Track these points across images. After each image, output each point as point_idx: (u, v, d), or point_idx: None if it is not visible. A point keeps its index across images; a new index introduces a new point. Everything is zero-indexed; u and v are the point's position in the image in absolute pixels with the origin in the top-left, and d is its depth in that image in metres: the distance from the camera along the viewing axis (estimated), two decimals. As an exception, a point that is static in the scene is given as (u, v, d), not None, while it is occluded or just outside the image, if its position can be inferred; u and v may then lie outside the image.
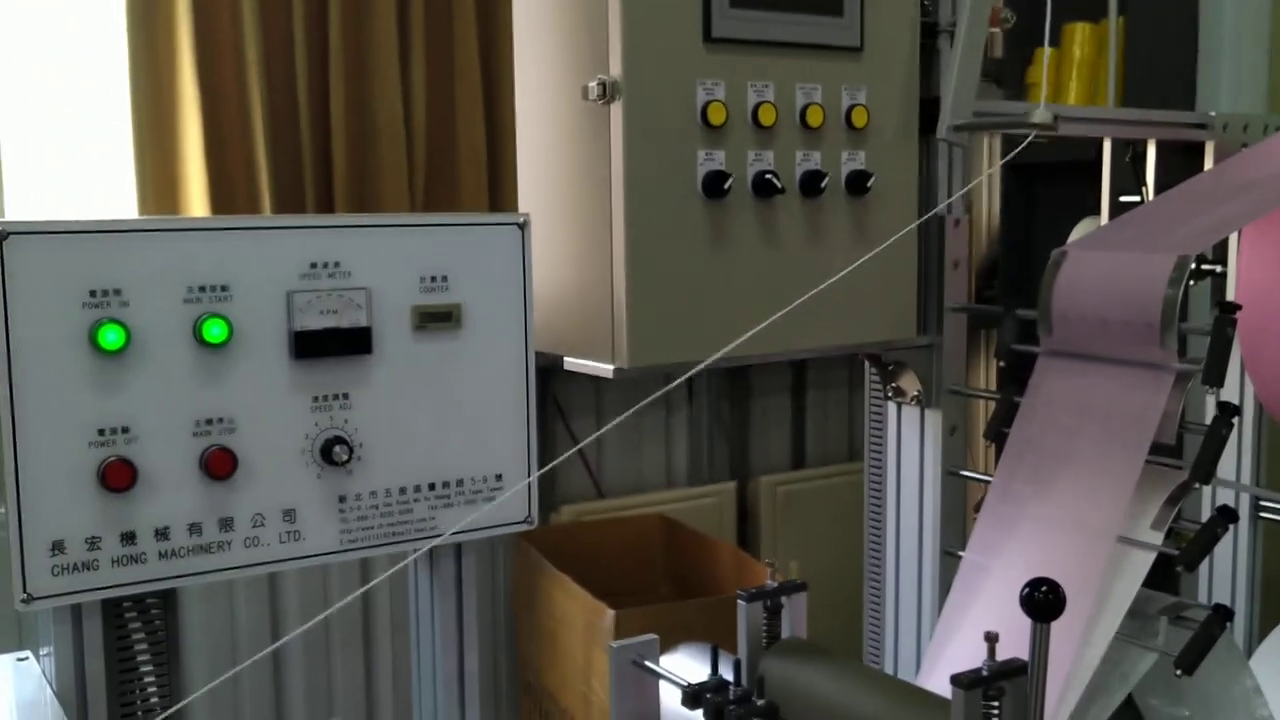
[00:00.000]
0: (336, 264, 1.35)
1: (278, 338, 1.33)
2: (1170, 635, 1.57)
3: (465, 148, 2.70)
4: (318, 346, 1.34)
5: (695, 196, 1.59)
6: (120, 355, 1.24)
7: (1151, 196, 2.31)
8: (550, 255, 1.66)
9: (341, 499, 1.38)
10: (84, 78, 2.57)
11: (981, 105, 1.76)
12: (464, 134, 2.67)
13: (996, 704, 1.26)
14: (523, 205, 1.73)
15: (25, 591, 1.22)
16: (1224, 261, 2.03)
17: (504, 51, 2.68)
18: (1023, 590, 1.23)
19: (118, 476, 1.24)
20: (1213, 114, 2.13)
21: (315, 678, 2.77)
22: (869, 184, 1.71)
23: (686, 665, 1.54)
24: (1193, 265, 1.51)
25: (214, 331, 1.28)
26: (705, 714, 1.40)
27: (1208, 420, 1.49)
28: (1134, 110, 2.10)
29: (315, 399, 1.36)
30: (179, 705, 1.36)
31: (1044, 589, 1.23)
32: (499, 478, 1.48)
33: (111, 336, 1.23)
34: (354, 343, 1.36)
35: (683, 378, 1.53)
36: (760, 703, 1.35)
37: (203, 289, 1.28)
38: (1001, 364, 1.78)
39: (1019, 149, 1.71)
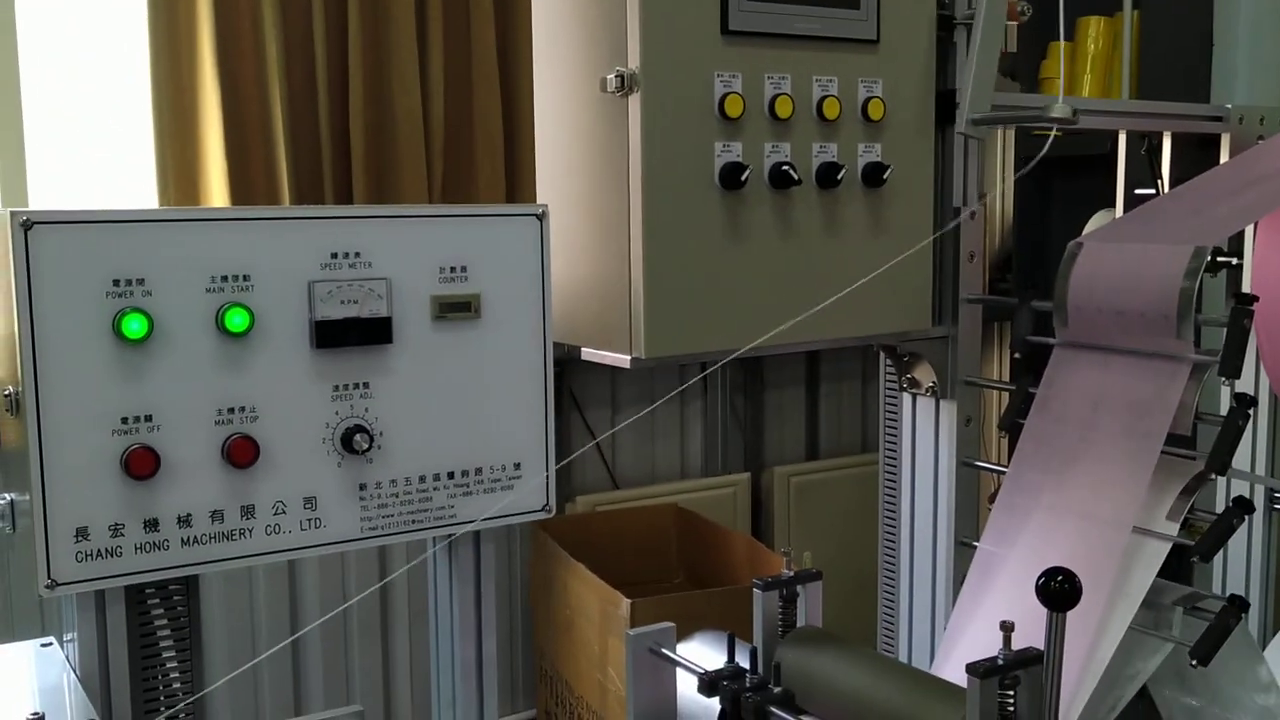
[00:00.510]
0: (357, 254, 1.36)
1: (299, 327, 1.34)
2: (1185, 626, 1.57)
3: (482, 140, 2.70)
4: (338, 336, 1.35)
5: (712, 188, 1.60)
6: (143, 344, 1.26)
7: (1167, 189, 2.31)
8: (568, 246, 1.67)
9: (362, 487, 1.39)
10: (105, 69, 2.59)
11: (1000, 99, 1.77)
12: (481, 126, 2.68)
13: (1012, 693, 1.27)
14: (540, 197, 1.74)
15: (49, 577, 1.24)
16: (1240, 254, 2.03)
17: (521, 44, 2.68)
18: (1039, 580, 1.24)
19: (141, 464, 1.26)
20: (1229, 106, 2.13)
21: (333, 664, 2.79)
22: (885, 176, 1.72)
23: (702, 653, 1.55)
24: (1208, 257, 1.51)
25: (236, 321, 1.29)
26: (722, 701, 1.41)
27: (1221, 412, 1.50)
28: (1150, 103, 2.10)
29: (336, 388, 1.37)
30: (202, 693, 1.37)
31: (1060, 578, 1.24)
32: (517, 466, 1.49)
33: (135, 326, 1.24)
34: (374, 332, 1.37)
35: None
36: (777, 690, 1.36)
37: (225, 279, 1.30)
38: (1016, 355, 1.79)
39: (1045, 148, 1.71)
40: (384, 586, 2.81)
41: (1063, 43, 1.86)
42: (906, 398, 1.96)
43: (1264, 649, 1.90)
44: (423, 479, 1.43)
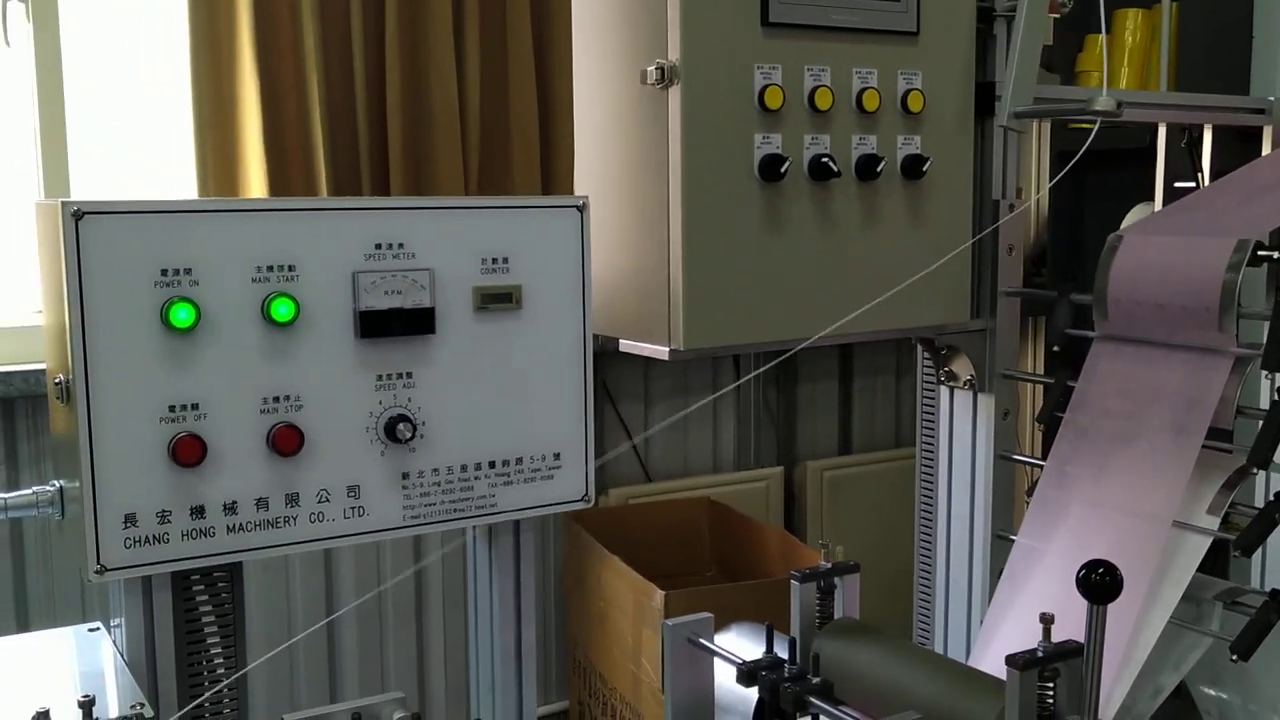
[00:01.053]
0: (401, 245, 1.38)
1: (343, 317, 1.35)
2: (1226, 621, 1.57)
3: (519, 133, 2.71)
4: (382, 326, 1.36)
5: (752, 180, 1.60)
6: (191, 333, 1.27)
7: (1207, 182, 2.29)
8: (606, 238, 1.68)
9: (405, 476, 1.40)
10: (146, 63, 2.61)
11: (1041, 92, 1.76)
12: (517, 121, 2.68)
13: (1051, 685, 1.27)
14: (579, 189, 1.75)
15: (99, 563, 1.25)
16: (1281, 247, 2.02)
17: (558, 38, 2.68)
18: (1079, 572, 1.24)
19: (188, 452, 1.27)
20: (1271, 99, 2.11)
21: (369, 652, 2.81)
22: (924, 168, 1.71)
23: (739, 644, 1.56)
24: (1251, 250, 1.50)
25: (281, 311, 1.30)
26: (760, 691, 1.42)
27: (1263, 406, 1.49)
28: (1193, 95, 2.08)
29: (379, 378, 1.38)
30: (242, 672, 1.39)
31: (1101, 571, 1.24)
32: (557, 457, 1.50)
33: (183, 315, 1.26)
34: (418, 323, 1.38)
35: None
36: (815, 680, 1.36)
37: (270, 269, 1.31)
38: (1055, 349, 1.78)
39: (1088, 140, 1.70)
40: (420, 576, 2.83)
41: (1104, 35, 1.85)
42: (944, 391, 1.96)
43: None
44: (464, 468, 1.44)
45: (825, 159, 1.63)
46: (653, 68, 1.56)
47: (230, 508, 1.31)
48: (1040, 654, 1.27)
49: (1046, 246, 3.39)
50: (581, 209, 1.49)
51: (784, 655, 1.46)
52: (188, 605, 1.37)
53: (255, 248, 1.30)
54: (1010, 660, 1.27)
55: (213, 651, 1.39)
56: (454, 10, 2.58)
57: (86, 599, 2.55)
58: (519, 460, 1.48)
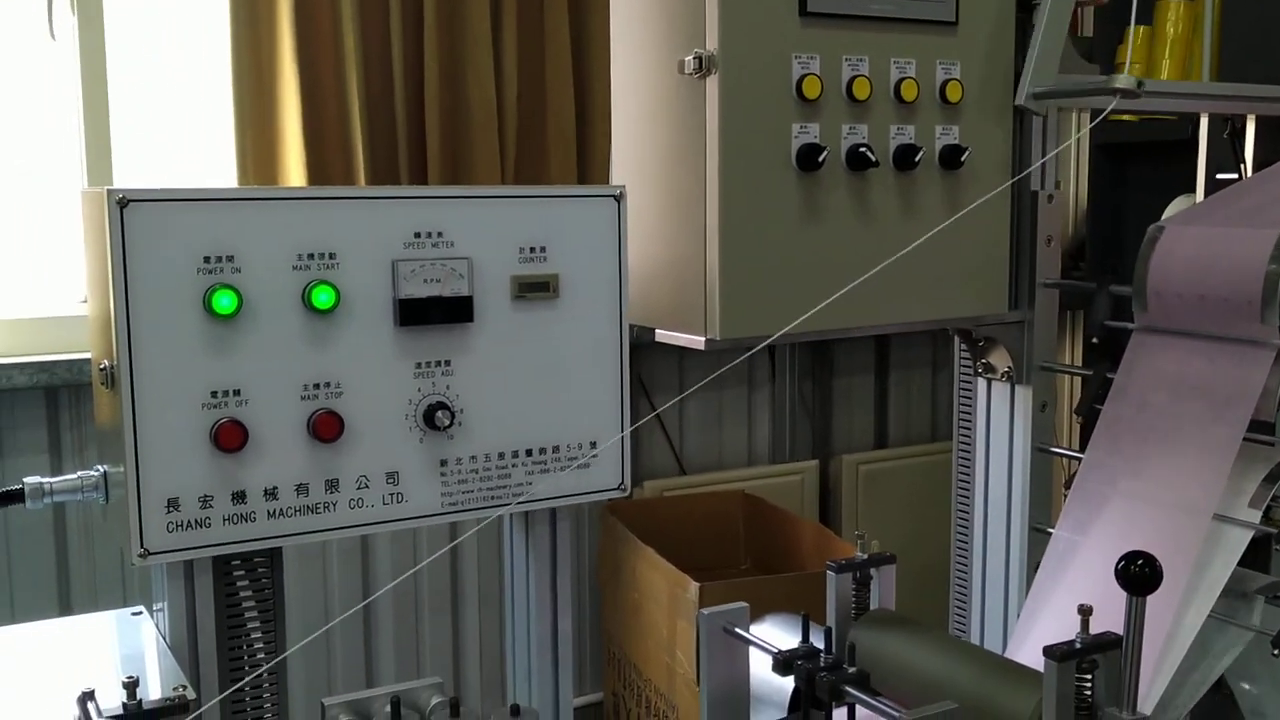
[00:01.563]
0: (440, 234, 1.38)
1: (383, 305, 1.36)
2: (1266, 615, 1.55)
3: (555, 125, 2.72)
4: (421, 314, 1.37)
5: (789, 169, 1.60)
6: (233, 320, 1.28)
7: (1249, 173, 2.27)
8: (642, 228, 1.68)
9: (443, 463, 1.41)
10: (187, 55, 2.64)
11: (1063, 74, 1.75)
12: (553, 111, 2.70)
13: (1089, 677, 1.26)
14: (616, 179, 1.75)
15: (142, 547, 1.27)
16: (1326, 239, 1.99)
17: (595, 29, 2.70)
18: (1118, 564, 1.23)
19: (230, 437, 1.29)
20: (1316, 89, 2.08)
21: (404, 640, 2.84)
22: (963, 158, 1.70)
23: (774, 635, 1.56)
24: (1295, 241, 1.49)
25: (322, 298, 1.32)
26: (796, 680, 1.42)
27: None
28: (1236, 85, 2.06)
29: (418, 365, 1.39)
30: (281, 656, 1.41)
31: (1140, 562, 1.23)
32: (593, 445, 1.51)
33: (225, 301, 1.27)
34: (456, 311, 1.39)
35: (809, 334, 1.54)
36: (851, 670, 1.36)
37: (311, 256, 1.32)
38: (1094, 340, 1.77)
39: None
40: (454, 564, 2.85)
41: (1134, 19, 1.83)
42: (981, 383, 1.95)
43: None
44: (501, 455, 1.45)
45: (863, 149, 1.63)
46: (690, 57, 1.56)
47: (271, 493, 1.33)
48: (1078, 645, 1.27)
49: (1084, 240, 3.36)
50: (619, 198, 1.49)
51: (819, 646, 1.46)
52: (228, 590, 1.39)
53: (296, 236, 1.31)
54: (1048, 651, 1.26)
55: (253, 636, 1.41)
56: (492, 4, 2.60)
57: (127, 583, 2.59)
58: (555, 448, 1.49)
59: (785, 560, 2.93)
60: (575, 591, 3.01)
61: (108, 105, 2.52)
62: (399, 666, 2.82)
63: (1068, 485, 1.75)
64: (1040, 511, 1.89)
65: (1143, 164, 3.32)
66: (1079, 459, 1.72)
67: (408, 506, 1.41)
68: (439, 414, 1.39)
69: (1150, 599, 1.22)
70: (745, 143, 1.57)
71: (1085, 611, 1.25)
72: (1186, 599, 1.52)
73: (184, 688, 1.21)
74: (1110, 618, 1.26)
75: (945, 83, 1.70)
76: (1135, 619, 1.23)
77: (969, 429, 1.99)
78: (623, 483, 1.54)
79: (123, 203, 1.23)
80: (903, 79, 1.66)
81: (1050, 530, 1.79)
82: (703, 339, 1.61)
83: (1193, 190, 2.56)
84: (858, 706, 1.38)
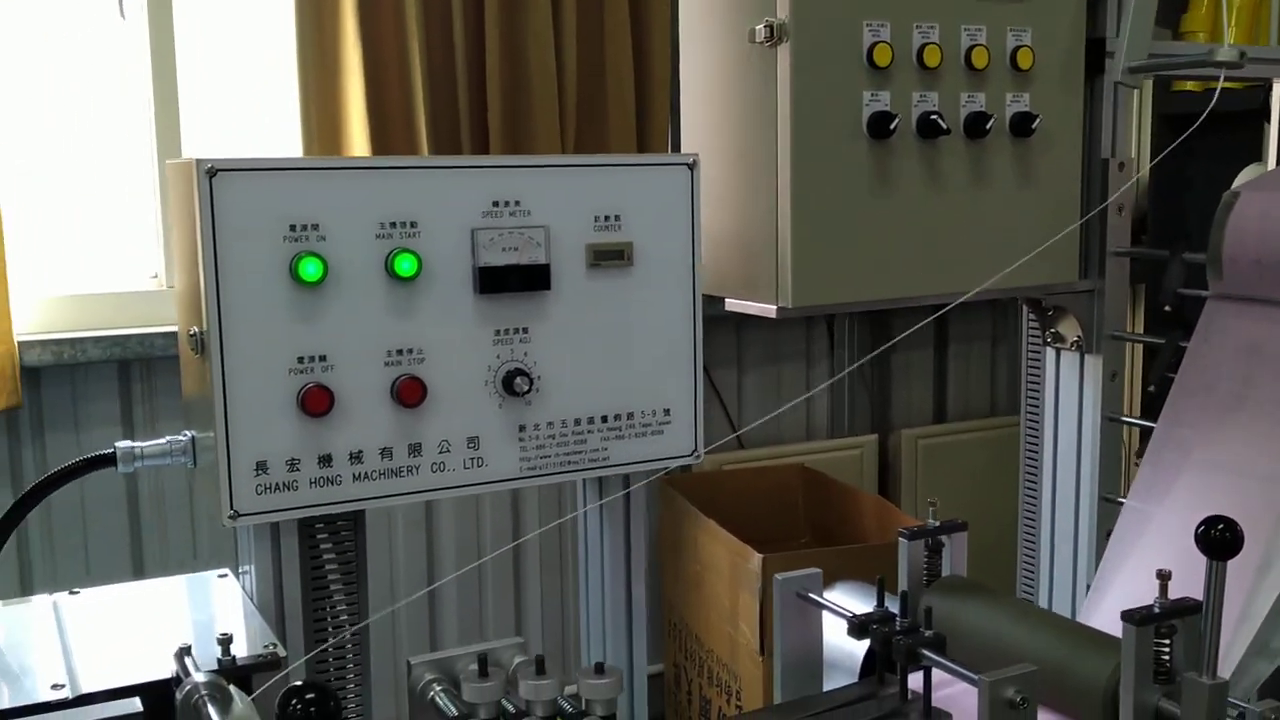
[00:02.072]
0: (517, 203, 1.40)
1: (463, 273, 1.38)
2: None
3: (614, 97, 2.73)
4: (500, 282, 1.39)
5: (860, 137, 1.60)
6: (319, 287, 1.31)
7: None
8: (711, 197, 1.69)
9: (521, 428, 1.44)
10: (253, 27, 2.67)
11: (1155, 48, 1.74)
12: (613, 83, 2.71)
13: (1167, 642, 1.26)
14: (686, 148, 1.76)
15: (232, 508, 1.30)
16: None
17: (655, 2, 2.70)
18: (1198, 528, 1.23)
19: (316, 402, 1.31)
20: (1391, 54, 2.05)
21: (468, 607, 2.88)
22: (1034, 126, 1.70)
23: (846, 602, 1.57)
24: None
25: (405, 266, 1.34)
26: (873, 643, 1.43)
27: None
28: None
29: (497, 332, 1.41)
30: (365, 622, 1.44)
31: (1220, 526, 1.22)
32: (667, 412, 1.52)
33: (311, 269, 1.29)
34: (534, 279, 1.41)
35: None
36: (929, 633, 1.37)
37: (394, 225, 1.34)
38: (1166, 309, 1.76)
39: (1215, 96, 1.66)
40: (517, 532, 2.89)
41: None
42: (1050, 352, 1.94)
43: None
44: (578, 422, 1.47)
45: (934, 116, 1.63)
46: (761, 26, 1.56)
47: (356, 456, 1.35)
48: (1157, 610, 1.27)
49: (1146, 211, 3.33)
50: (692, 166, 1.50)
51: (894, 611, 1.47)
52: (312, 553, 1.42)
53: (379, 204, 1.33)
54: (1127, 616, 1.26)
55: (335, 598, 1.44)
56: (554, -24, 2.61)
57: (199, 549, 2.64)
58: (630, 415, 1.50)
59: (846, 533, 2.93)
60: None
61: (176, 82, 2.56)
62: (461, 634, 2.86)
63: (1140, 456, 1.74)
64: (1110, 481, 1.89)
65: (1206, 134, 3.27)
66: (1151, 428, 1.71)
67: (487, 471, 1.43)
68: (518, 380, 1.41)
69: (1228, 565, 1.22)
70: (817, 111, 1.57)
71: (1164, 576, 1.25)
72: (1264, 567, 1.51)
73: (274, 645, 1.24)
74: (1184, 588, 1.26)
75: (1016, 49, 1.69)
76: (1215, 584, 1.23)
77: (1037, 399, 1.99)
78: (696, 449, 1.55)
79: (212, 172, 1.25)
80: (973, 46, 1.66)
81: (1121, 500, 1.79)
82: (774, 307, 1.62)
83: (1260, 159, 2.53)
84: (934, 671, 1.39)
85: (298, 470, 1.33)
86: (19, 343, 2.42)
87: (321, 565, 1.43)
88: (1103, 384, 1.86)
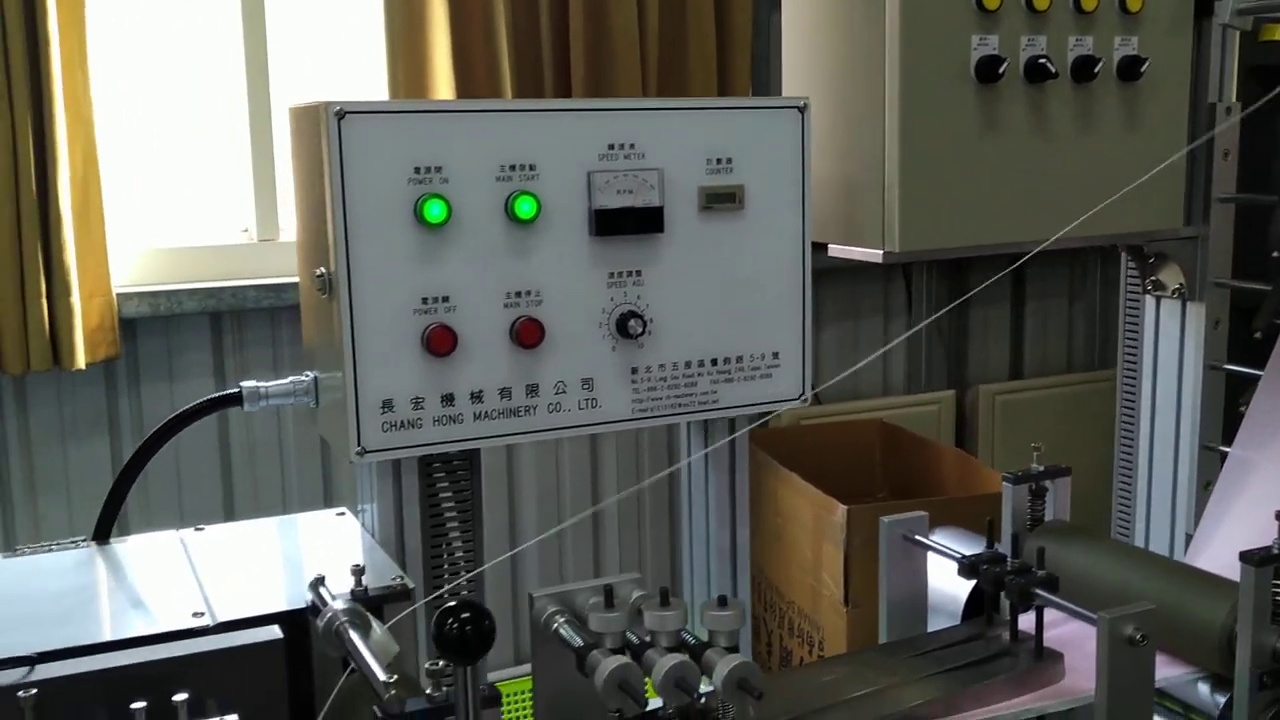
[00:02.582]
0: (632, 145, 1.41)
1: (579, 216, 1.40)
2: None
3: (695, 46, 2.74)
4: (615, 225, 1.40)
5: (968, 82, 1.60)
6: (442, 229, 1.33)
7: None
8: (815, 144, 1.69)
9: (634, 370, 1.45)
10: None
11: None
12: (694, 33, 2.72)
13: (1284, 583, 1.26)
14: (788, 92, 1.76)
15: (360, 445, 1.33)
16: None
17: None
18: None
19: (440, 342, 1.34)
20: None
21: (549, 554, 2.93)
22: (1142, 69, 1.68)
23: (949, 544, 1.58)
24: None
25: (524, 208, 1.35)
26: (983, 584, 1.44)
27: None
28: None
29: (611, 275, 1.42)
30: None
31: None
32: (775, 355, 1.53)
33: (435, 211, 1.31)
34: (647, 221, 1.42)
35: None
36: (1041, 573, 1.38)
37: (513, 168, 1.36)
38: (1275, 254, 1.75)
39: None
40: (595, 480, 2.94)
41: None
42: (1150, 300, 1.93)
43: None
44: (688, 365, 1.48)
45: (1042, 60, 1.62)
46: (870, -30, 1.56)
47: (477, 396, 1.38)
48: (1276, 551, 1.27)
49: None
50: (802, 109, 1.50)
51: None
52: (429, 492, 1.44)
53: (500, 147, 1.35)
54: (1245, 556, 1.27)
55: (452, 536, 1.47)
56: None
57: (287, 495, 2.70)
58: (739, 358, 1.51)
59: (925, 487, 2.93)
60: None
61: (265, 26, 2.59)
62: (543, 579, 2.91)
63: (1244, 404, 1.73)
64: (1211, 430, 1.87)
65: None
66: (1256, 376, 1.70)
67: (600, 412, 1.45)
68: (631, 322, 1.42)
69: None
70: (924, 55, 1.57)
71: (1281, 517, 1.25)
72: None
73: (402, 577, 1.27)
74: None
75: (1125, -8, 1.68)
76: (1337, 524, 1.23)
77: (1135, 348, 1.98)
78: (804, 393, 1.56)
79: (340, 115, 1.27)
80: (1083, -11, 1.64)
81: (1224, 449, 1.78)
82: (880, 252, 1.62)
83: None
84: (1045, 611, 1.40)
85: (421, 409, 1.35)
86: (117, 295, 2.47)
87: (438, 503, 1.45)
88: (1205, 332, 1.85)
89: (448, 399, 1.36)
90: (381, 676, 0.99)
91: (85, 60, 2.33)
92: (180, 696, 1.01)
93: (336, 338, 1.32)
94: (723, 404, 1.51)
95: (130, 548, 1.43)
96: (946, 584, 1.58)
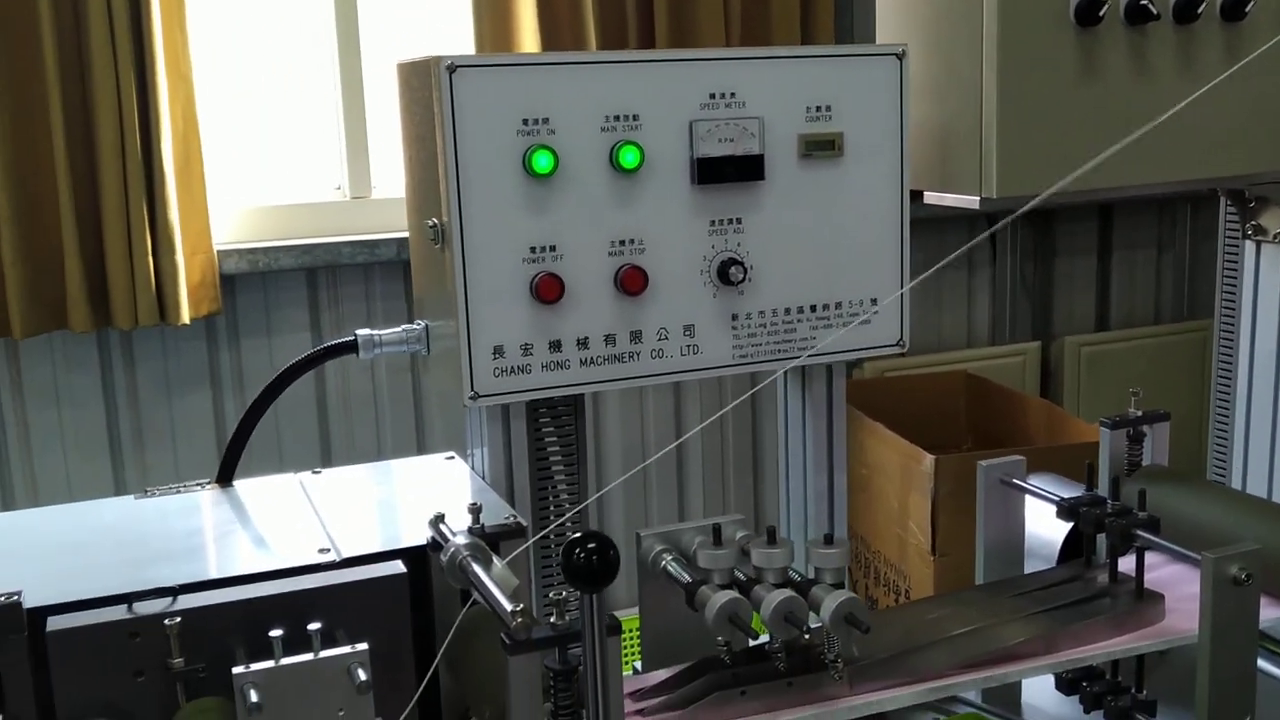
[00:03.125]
0: (733, 94, 1.43)
1: (681, 164, 1.42)
2: None
3: (779, 1, 2.74)
4: (716, 173, 1.43)
5: (1068, 25, 1.59)
6: (549, 179, 1.36)
7: None
8: (910, 90, 1.69)
9: (734, 317, 1.48)
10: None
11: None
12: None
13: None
14: (882, 40, 1.76)
15: (473, 389, 1.37)
16: None
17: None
18: None
19: (548, 290, 1.37)
20: None
21: (633, 496, 2.98)
22: (1247, 9, 1.66)
23: (1045, 489, 1.59)
24: None
25: (628, 158, 1.38)
26: (1083, 526, 1.45)
27: None
28: None
29: (713, 223, 1.45)
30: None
31: None
32: (874, 302, 1.55)
33: (543, 161, 1.35)
34: (748, 169, 1.44)
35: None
36: (1143, 515, 1.39)
37: (618, 118, 1.38)
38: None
39: None
40: (679, 430, 3.00)
41: None
42: (1249, 246, 1.91)
43: None
44: (788, 311, 1.50)
45: (1144, 1, 1.60)
46: (968, -87, 1.55)
47: (583, 342, 1.41)
48: (1383, 492, 1.26)
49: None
50: (900, 56, 1.51)
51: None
52: (536, 436, 1.49)
53: (604, 98, 1.37)
54: (1352, 497, 1.27)
55: (557, 478, 1.51)
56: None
57: (381, 443, 2.77)
58: (838, 305, 1.53)
59: (1011, 438, 2.93)
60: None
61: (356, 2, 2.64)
62: (707, 506, 3.02)
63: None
64: (1311, 376, 1.86)
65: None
66: (1360, 320, 1.68)
67: (702, 358, 1.48)
68: (732, 269, 1.45)
69: None
70: (1023, -1, 1.56)
71: (1396, 457, 1.25)
72: None
73: (514, 516, 1.31)
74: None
75: (1229, -71, 1.65)
76: None
77: (1233, 294, 1.96)
78: (901, 339, 1.58)
79: (452, 69, 1.31)
80: (1185, -73, 1.62)
81: (1324, 393, 1.76)
82: (976, 199, 1.63)
83: None
84: (1147, 553, 1.41)
85: (530, 355, 1.39)
86: (217, 252, 2.54)
87: (544, 448, 1.50)
88: (1306, 277, 1.83)
89: (555, 345, 1.40)
90: (508, 606, 1.03)
91: (184, 19, 2.39)
92: (314, 625, 1.06)
93: (449, 286, 1.36)
94: (821, 350, 1.53)
95: (252, 489, 1.49)
96: (1042, 528, 1.59)
